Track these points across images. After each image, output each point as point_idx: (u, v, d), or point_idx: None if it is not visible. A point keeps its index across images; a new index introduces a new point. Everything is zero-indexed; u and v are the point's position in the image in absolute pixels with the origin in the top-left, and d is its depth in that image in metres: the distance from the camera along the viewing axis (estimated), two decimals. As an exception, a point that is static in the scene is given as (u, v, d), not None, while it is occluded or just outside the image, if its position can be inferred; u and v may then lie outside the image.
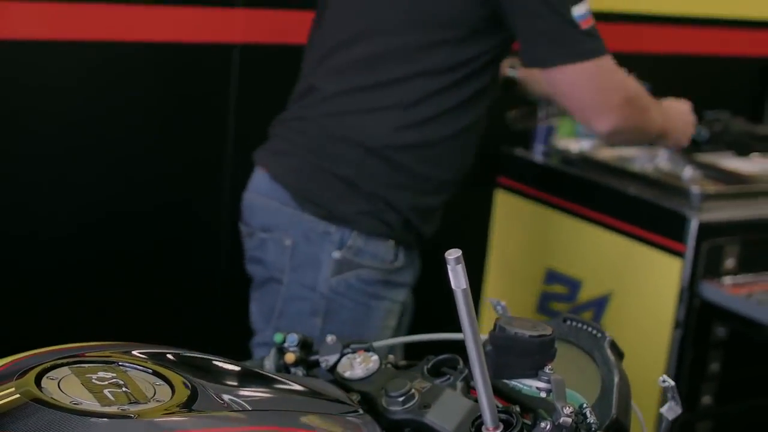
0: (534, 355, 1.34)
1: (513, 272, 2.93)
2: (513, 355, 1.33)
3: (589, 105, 2.09)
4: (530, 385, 1.35)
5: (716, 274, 2.53)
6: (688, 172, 2.65)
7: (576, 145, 2.89)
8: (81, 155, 2.48)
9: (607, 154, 2.86)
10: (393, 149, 2.07)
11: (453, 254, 1.22)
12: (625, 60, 3.13)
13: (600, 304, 2.66)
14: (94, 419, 1.10)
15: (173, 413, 1.14)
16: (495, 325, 1.32)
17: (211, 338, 2.67)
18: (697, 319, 2.53)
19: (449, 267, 1.23)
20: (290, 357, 1.53)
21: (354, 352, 1.52)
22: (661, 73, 3.18)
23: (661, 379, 1.43)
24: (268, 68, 2.63)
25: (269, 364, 1.55)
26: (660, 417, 1.45)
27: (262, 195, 2.13)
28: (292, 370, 1.53)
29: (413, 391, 1.37)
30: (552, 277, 2.80)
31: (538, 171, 2.88)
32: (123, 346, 1.31)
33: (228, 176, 2.64)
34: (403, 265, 2.14)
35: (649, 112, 2.21)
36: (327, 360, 1.52)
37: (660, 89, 3.08)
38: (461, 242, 2.40)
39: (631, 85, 2.17)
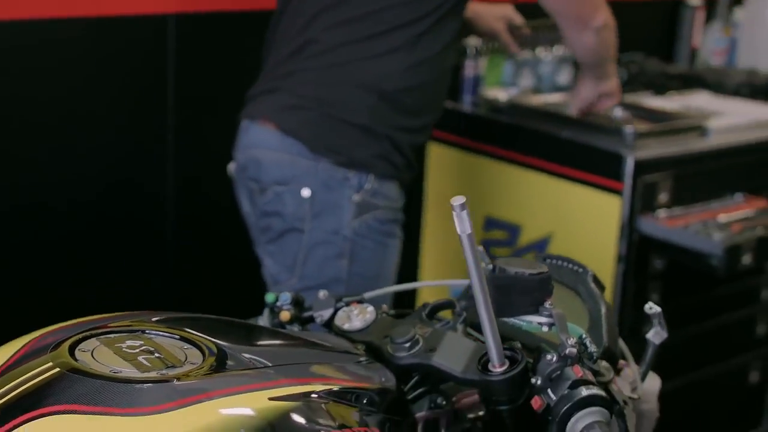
0: (534, 293, 1.40)
1: (451, 222, 2.98)
2: (515, 293, 1.38)
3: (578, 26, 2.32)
4: (531, 321, 1.41)
5: (651, 208, 2.63)
6: (618, 112, 2.73)
7: (504, 94, 2.95)
8: (19, 132, 2.46)
9: (535, 100, 2.94)
10: (401, 91, 2.18)
11: (458, 201, 1.27)
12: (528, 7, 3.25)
13: (541, 246, 2.74)
14: (138, 385, 1.13)
15: (211, 374, 1.17)
16: (494, 266, 1.38)
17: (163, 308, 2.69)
18: (637, 253, 2.63)
19: (455, 213, 1.28)
20: (285, 315, 1.56)
21: (348, 305, 1.55)
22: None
23: (647, 306, 1.50)
24: (204, 36, 2.64)
25: (263, 324, 1.58)
26: (647, 341, 1.53)
27: (273, 150, 2.19)
28: (287, 327, 1.56)
29: (417, 336, 1.41)
30: (491, 223, 2.87)
31: (468, 121, 2.94)
32: (137, 315, 1.33)
33: (171, 146, 2.64)
34: (402, 206, 2.29)
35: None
36: (321, 315, 1.55)
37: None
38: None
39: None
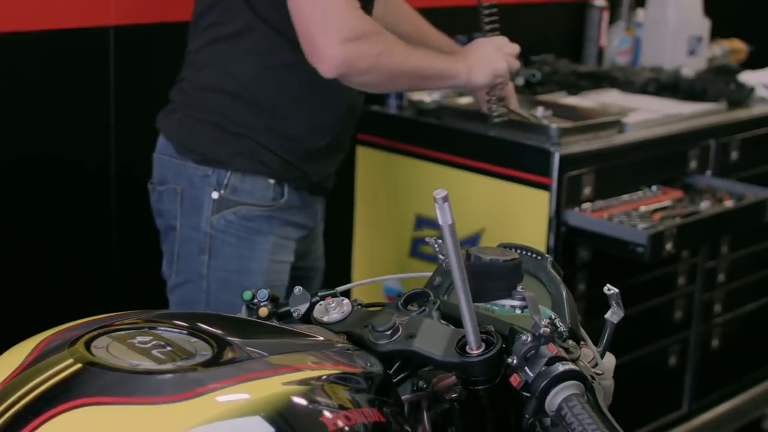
0: (507, 278, 1.50)
1: (382, 222, 3.08)
2: (489, 279, 1.48)
3: (314, 29, 2.06)
4: (505, 305, 1.51)
5: (576, 202, 2.76)
6: (540, 111, 2.85)
7: (428, 97, 3.05)
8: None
9: (461, 101, 3.04)
10: (257, 93, 2.22)
11: (440, 193, 1.36)
12: (463, 12, 3.34)
13: (473, 241, 2.84)
14: (159, 376, 1.19)
15: (224, 364, 1.24)
16: (469, 255, 1.47)
17: (107, 296, 2.74)
18: (564, 245, 2.76)
19: (437, 205, 1.37)
20: (263, 311, 1.62)
21: (323, 298, 1.62)
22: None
23: (606, 287, 1.60)
24: (144, 48, 2.69)
25: (242, 320, 1.64)
26: (605, 321, 1.63)
27: (159, 153, 2.31)
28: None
29: (397, 324, 1.49)
30: (422, 222, 2.97)
31: (396, 123, 3.03)
32: (138, 314, 1.38)
33: (113, 160, 2.69)
34: (292, 205, 2.28)
35: (393, 53, 2.14)
36: (298, 310, 1.61)
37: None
38: (329, 204, 2.51)
39: (361, 22, 2.10)
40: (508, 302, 1.51)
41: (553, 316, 1.50)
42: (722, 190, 3.04)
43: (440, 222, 1.39)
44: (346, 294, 1.64)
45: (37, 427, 1.14)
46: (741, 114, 3.28)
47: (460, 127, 2.88)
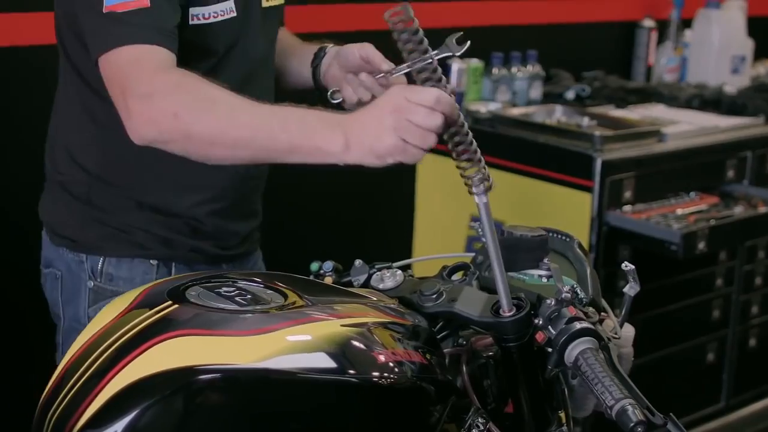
0: (535, 251, 1.76)
1: (440, 222, 3.34)
2: (520, 252, 1.74)
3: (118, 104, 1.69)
4: (533, 274, 1.77)
5: (618, 204, 3.00)
6: (585, 121, 3.10)
7: (484, 108, 3.31)
8: None
9: (514, 112, 3.30)
10: (105, 169, 1.91)
11: (476, 175, 1.61)
12: (519, 31, 3.60)
13: (522, 240, 3.08)
14: (242, 315, 1.46)
15: (294, 309, 1.51)
16: (503, 231, 1.73)
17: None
18: (606, 243, 3.00)
19: (473, 185, 1.63)
20: (328, 280, 1.88)
21: (379, 270, 1.88)
22: (545, 41, 3.65)
23: (624, 264, 1.84)
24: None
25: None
26: (624, 294, 1.87)
27: (43, 230, 2.02)
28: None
29: (442, 289, 1.75)
30: (476, 221, 3.20)
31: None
32: (219, 271, 1.65)
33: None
34: None
35: (202, 113, 1.63)
36: (358, 279, 1.87)
37: (546, 55, 3.56)
38: (390, 203, 2.75)
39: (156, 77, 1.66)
40: (536, 272, 1.77)
41: (574, 285, 1.75)
42: (757, 197, 3.26)
43: (476, 200, 1.64)
44: (403, 270, 1.89)
45: (144, 351, 1.41)
46: (780, 128, 3.51)
47: (512, 134, 3.14)
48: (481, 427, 1.67)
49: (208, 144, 1.63)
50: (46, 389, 1.47)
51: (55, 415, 1.42)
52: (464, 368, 1.77)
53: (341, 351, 1.45)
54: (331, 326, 1.48)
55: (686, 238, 2.84)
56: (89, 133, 1.90)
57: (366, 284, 1.84)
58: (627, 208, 3.01)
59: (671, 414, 1.50)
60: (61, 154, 1.95)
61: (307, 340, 1.44)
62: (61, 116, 1.97)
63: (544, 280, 1.76)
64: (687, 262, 3.04)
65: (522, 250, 1.76)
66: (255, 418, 1.40)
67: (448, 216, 3.31)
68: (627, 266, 1.81)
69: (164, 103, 1.63)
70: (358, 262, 1.88)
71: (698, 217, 3.03)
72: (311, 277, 1.89)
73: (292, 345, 1.43)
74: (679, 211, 3.04)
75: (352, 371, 1.45)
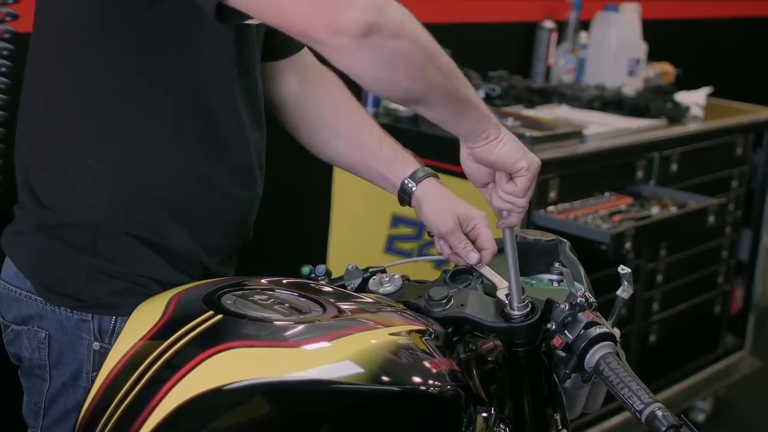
0: (546, 256, 1.77)
1: (358, 221, 3.32)
2: (532, 256, 1.75)
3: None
4: (541, 278, 1.78)
5: (544, 204, 3.04)
6: (510, 121, 3.13)
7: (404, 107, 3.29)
8: None
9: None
10: (119, 202, 1.62)
11: None
12: (429, 29, 3.59)
13: (447, 239, 3.09)
14: (291, 324, 1.42)
15: (338, 319, 1.47)
16: (516, 235, 1.73)
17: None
18: (532, 243, 3.03)
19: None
20: (322, 284, 1.85)
21: (372, 275, 1.85)
22: (453, 41, 3.66)
23: (620, 267, 1.87)
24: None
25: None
26: (616, 297, 1.90)
27: (11, 284, 1.69)
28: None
29: (450, 294, 1.74)
30: (398, 220, 3.21)
31: (373, 130, 3.27)
32: (241, 278, 1.60)
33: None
34: None
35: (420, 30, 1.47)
36: (352, 284, 1.84)
37: (453, 55, 3.57)
38: (307, 201, 2.68)
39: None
40: (546, 276, 1.78)
41: (584, 289, 1.76)
42: (666, 197, 3.36)
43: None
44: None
45: (197, 365, 1.35)
46: (679, 130, 3.61)
47: (435, 133, 3.13)
48: (504, 434, 1.67)
49: (427, 58, 1.46)
50: (85, 408, 1.39)
51: (104, 435, 1.35)
52: (475, 374, 1.77)
53: (394, 362, 1.43)
54: (382, 334, 1.46)
55: (615, 238, 2.90)
56: (95, 150, 1.59)
57: (362, 288, 1.82)
58: (552, 208, 3.05)
59: (682, 415, 1.52)
60: (50, 189, 1.63)
61: (366, 349, 1.40)
62: (40, 132, 1.64)
63: (555, 284, 1.77)
64: (593, 261, 3.11)
65: (534, 255, 1.77)
66: (317, 428, 1.37)
67: (366, 213, 3.30)
68: (623, 270, 1.84)
69: (388, 4, 1.40)
70: (351, 266, 1.86)
71: (621, 217, 3.10)
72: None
73: (351, 355, 1.39)
74: (602, 211, 3.10)
75: (405, 380, 1.43)
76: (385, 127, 3.21)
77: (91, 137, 1.58)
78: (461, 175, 2.99)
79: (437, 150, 3.11)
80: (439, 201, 1.87)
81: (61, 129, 1.60)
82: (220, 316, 1.41)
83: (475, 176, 1.77)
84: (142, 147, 1.58)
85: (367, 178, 1.92)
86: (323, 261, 3.33)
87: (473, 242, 1.81)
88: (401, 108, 3.28)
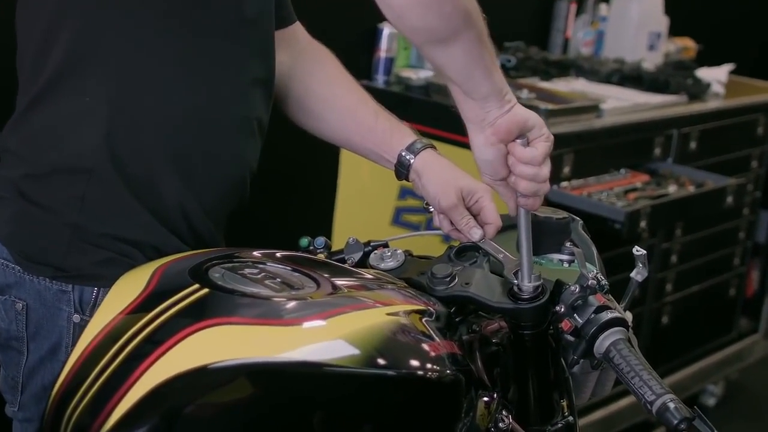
0: (557, 234, 1.68)
1: (365, 191, 3.23)
2: (543, 234, 1.65)
3: None
4: (552, 258, 1.68)
5: (557, 180, 2.94)
6: (524, 93, 3.03)
7: (415, 75, 3.21)
8: None
9: (447, 80, 3.20)
10: (107, 159, 1.54)
11: None
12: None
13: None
14: (282, 301, 1.33)
15: (333, 296, 1.38)
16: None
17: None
18: (544, 220, 2.93)
19: None
20: (320, 257, 1.76)
21: (374, 249, 1.76)
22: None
23: (635, 249, 1.78)
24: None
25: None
26: (630, 279, 1.81)
27: None
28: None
29: (454, 272, 1.65)
30: (405, 192, 3.12)
31: (384, 98, 3.16)
32: (233, 250, 1.51)
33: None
34: None
35: None
36: (353, 257, 1.75)
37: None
38: (314, 173, 2.58)
39: None
40: (556, 256, 1.69)
41: (596, 271, 1.67)
42: (683, 176, 3.26)
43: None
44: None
45: (178, 342, 1.27)
46: (699, 107, 3.51)
47: (447, 103, 3.03)
48: (506, 421, 1.59)
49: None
50: (59, 382, 1.31)
51: (76, 413, 1.27)
52: (478, 356, 1.69)
53: (390, 344, 1.34)
54: (379, 314, 1.37)
55: (630, 217, 2.81)
56: (94, 88, 1.52)
57: (362, 263, 1.74)
58: (565, 184, 2.96)
59: (696, 407, 1.44)
60: (43, 132, 1.56)
61: (362, 329, 1.32)
62: (36, 75, 1.57)
63: (566, 264, 1.68)
64: (606, 240, 3.02)
65: (544, 233, 1.67)
66: (308, 412, 1.28)
67: (373, 184, 3.21)
68: (638, 251, 1.76)
69: None
70: (351, 239, 1.78)
71: (637, 195, 3.00)
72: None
73: (345, 335, 1.31)
74: (617, 188, 3.01)
75: (402, 364, 1.35)
76: (396, 96, 3.19)
77: (89, 75, 1.52)
78: (467, 145, 2.93)
79: (449, 120, 3.01)
80: (439, 173, 1.75)
81: (58, 68, 1.53)
82: (206, 291, 1.33)
83: (494, 165, 1.61)
84: (144, 87, 1.52)
85: (362, 154, 1.84)
86: (328, 232, 3.29)
87: (475, 217, 1.70)
88: (413, 76, 3.19)
